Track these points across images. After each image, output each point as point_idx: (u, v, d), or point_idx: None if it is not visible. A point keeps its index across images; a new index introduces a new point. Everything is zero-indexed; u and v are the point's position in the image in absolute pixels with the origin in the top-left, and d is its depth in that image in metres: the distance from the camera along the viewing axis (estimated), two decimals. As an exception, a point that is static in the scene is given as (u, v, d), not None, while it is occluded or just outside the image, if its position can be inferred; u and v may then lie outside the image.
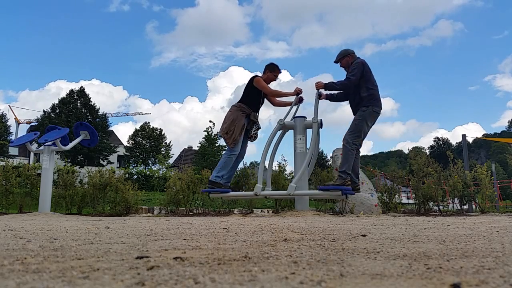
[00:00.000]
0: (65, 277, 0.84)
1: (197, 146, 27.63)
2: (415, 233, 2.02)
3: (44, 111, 38.49)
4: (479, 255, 1.19)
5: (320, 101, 5.17)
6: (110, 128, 45.73)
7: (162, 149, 44.43)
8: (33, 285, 0.75)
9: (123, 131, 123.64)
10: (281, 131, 5.42)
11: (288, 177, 6.62)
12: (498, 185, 12.14)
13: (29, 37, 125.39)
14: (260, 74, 5.35)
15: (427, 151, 72.33)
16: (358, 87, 4.80)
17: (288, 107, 5.36)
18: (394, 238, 1.76)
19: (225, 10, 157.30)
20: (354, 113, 4.94)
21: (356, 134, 4.72)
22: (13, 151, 43.19)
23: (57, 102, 38.43)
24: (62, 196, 6.56)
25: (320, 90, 5.10)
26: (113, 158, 43.18)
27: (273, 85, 5.38)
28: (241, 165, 6.40)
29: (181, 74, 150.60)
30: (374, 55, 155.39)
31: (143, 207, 7.15)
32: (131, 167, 30.29)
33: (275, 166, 6.48)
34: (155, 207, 7.22)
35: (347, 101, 5.11)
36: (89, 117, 38.21)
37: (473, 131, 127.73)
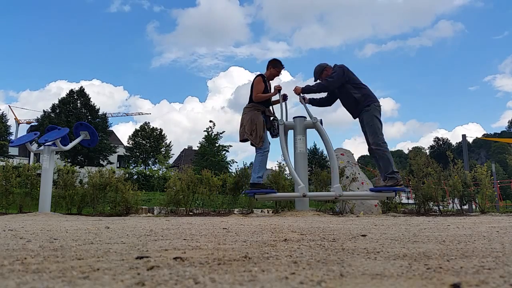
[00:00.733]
0: (65, 277, 0.84)
1: (197, 146, 27.64)
2: (415, 233, 2.02)
3: (44, 111, 38.50)
4: (479, 255, 1.19)
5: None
6: (110, 128, 45.77)
7: (162, 149, 44.49)
8: (33, 285, 0.75)
9: (123, 131, 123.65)
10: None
11: (288, 177, 6.60)
12: (498, 185, 12.15)
13: (30, 37, 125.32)
14: (263, 73, 5.40)
15: (427, 151, 72.32)
16: (347, 91, 5.03)
17: (280, 107, 5.41)
18: (394, 238, 1.76)
19: (226, 10, 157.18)
20: (353, 115, 5.16)
21: (379, 133, 4.93)
22: (13, 151, 43.26)
23: (57, 102, 38.48)
24: (62, 196, 6.56)
25: (302, 94, 5.27)
26: (113, 158, 43.19)
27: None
28: (241, 165, 6.41)
29: (182, 74, 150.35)
30: (374, 55, 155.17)
31: (143, 207, 7.15)
32: (131, 167, 30.32)
33: (275, 166, 6.48)
34: (155, 207, 7.22)
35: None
36: (89, 117, 38.21)
37: (473, 131, 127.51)
